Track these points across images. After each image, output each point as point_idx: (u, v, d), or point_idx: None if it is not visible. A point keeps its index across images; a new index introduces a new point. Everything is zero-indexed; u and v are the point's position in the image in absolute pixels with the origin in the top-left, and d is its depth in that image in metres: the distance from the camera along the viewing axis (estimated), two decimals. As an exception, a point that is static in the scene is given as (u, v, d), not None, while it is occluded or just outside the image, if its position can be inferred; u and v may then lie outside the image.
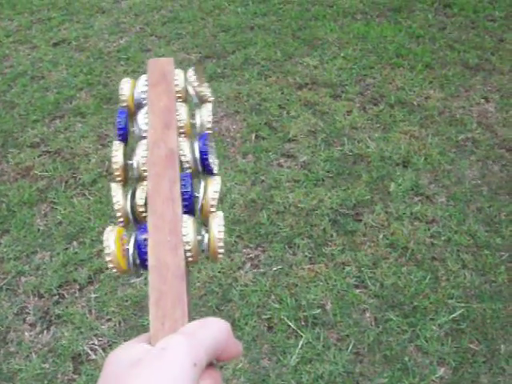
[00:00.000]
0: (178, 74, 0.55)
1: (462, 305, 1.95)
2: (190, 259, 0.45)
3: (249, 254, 2.16)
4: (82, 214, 2.36)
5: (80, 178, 2.55)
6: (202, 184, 0.50)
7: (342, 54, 3.33)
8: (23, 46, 3.68)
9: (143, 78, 0.55)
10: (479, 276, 2.05)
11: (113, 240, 0.46)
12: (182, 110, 0.53)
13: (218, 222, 0.48)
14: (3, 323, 1.99)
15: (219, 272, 2.09)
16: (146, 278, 2.08)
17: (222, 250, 0.47)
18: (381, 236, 2.20)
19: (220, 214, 0.49)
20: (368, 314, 1.94)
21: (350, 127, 2.77)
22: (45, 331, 1.96)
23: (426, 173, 2.49)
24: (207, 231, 0.48)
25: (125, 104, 0.55)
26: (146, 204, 0.47)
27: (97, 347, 1.90)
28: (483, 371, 1.77)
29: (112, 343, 1.90)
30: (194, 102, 0.56)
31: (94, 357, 1.87)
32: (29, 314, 2.03)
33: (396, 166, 2.52)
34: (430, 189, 2.41)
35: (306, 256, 2.14)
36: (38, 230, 2.32)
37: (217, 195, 0.49)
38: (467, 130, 2.74)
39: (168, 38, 3.62)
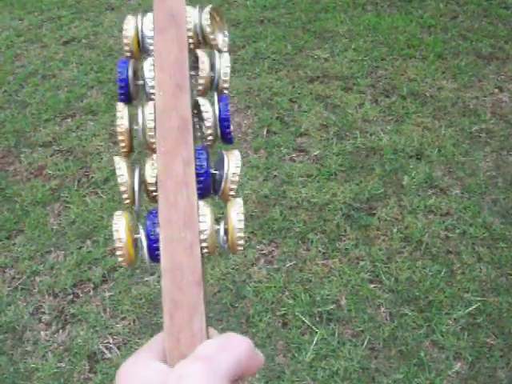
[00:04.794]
0: (190, 12, 0.45)
1: (478, 298, 1.93)
2: (207, 254, 0.40)
3: (262, 250, 2.15)
4: (94, 213, 2.37)
5: (92, 177, 2.56)
6: (225, 160, 0.43)
7: (352, 46, 3.30)
8: (34, 45, 3.69)
9: (150, 16, 0.46)
10: (495, 269, 2.03)
11: (123, 228, 0.41)
12: (205, 60, 0.44)
13: (237, 210, 0.42)
14: (19, 323, 2.00)
15: (233, 269, 2.09)
16: (159, 276, 2.08)
17: (241, 242, 0.42)
18: (395, 230, 2.18)
19: (239, 200, 0.43)
20: (383, 309, 1.93)
21: (362, 120, 2.75)
22: (60, 330, 1.97)
23: (440, 165, 2.46)
24: (225, 218, 0.42)
25: (128, 49, 0.46)
26: (156, 182, 0.41)
27: (112, 346, 1.90)
28: (500, 365, 1.75)
29: (127, 341, 1.90)
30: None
31: (109, 355, 1.87)
32: (44, 313, 2.04)
33: (409, 159, 2.50)
34: (444, 181, 2.38)
35: (320, 251, 2.13)
36: (52, 229, 2.33)
37: (237, 176, 0.44)
38: (481, 121, 2.71)
39: (178, 34, 3.61)
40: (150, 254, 0.41)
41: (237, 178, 0.44)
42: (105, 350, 1.89)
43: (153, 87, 0.43)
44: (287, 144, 2.63)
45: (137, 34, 0.46)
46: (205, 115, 0.43)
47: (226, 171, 0.43)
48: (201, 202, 0.41)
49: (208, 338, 0.38)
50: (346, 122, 2.73)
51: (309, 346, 1.83)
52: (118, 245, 0.41)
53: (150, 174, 0.42)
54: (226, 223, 0.42)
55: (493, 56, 3.17)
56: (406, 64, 3.13)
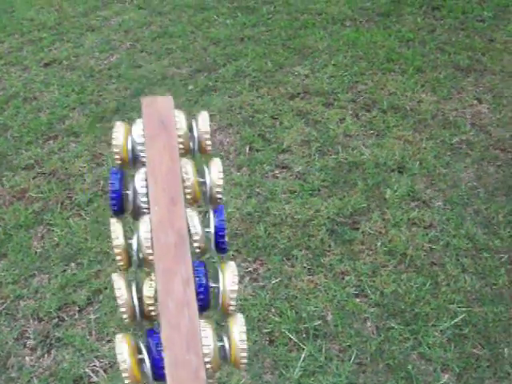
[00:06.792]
0: (179, 116, 0.44)
1: (464, 309, 1.94)
2: (211, 371, 0.40)
3: (247, 268, 2.15)
4: (78, 235, 2.35)
5: (76, 199, 2.55)
6: (220, 274, 0.43)
7: (332, 62, 3.33)
8: (14, 67, 3.68)
9: (139, 122, 0.45)
10: (479, 279, 2.04)
11: (126, 351, 0.41)
12: (189, 169, 0.43)
13: (239, 326, 0.42)
14: (3, 348, 1.98)
15: (218, 287, 2.08)
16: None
17: (244, 355, 0.42)
18: (379, 244, 2.19)
19: (240, 316, 0.43)
20: (369, 324, 1.93)
21: (344, 135, 2.77)
22: (45, 355, 1.95)
23: (422, 177, 2.48)
24: (227, 334, 0.42)
25: (118, 158, 0.44)
26: (155, 299, 0.41)
27: (98, 369, 1.88)
28: (488, 376, 1.76)
29: (113, 364, 1.89)
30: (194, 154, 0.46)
31: (95, 379, 1.85)
32: (29, 338, 2.01)
33: (391, 172, 2.52)
34: (427, 193, 2.40)
35: (305, 267, 2.13)
36: (36, 252, 2.31)
37: (236, 287, 0.43)
38: (461, 133, 2.74)
39: (158, 54, 3.63)
40: (155, 374, 0.41)
41: (235, 293, 0.43)
42: (91, 374, 1.87)
43: (145, 197, 0.42)
44: (270, 161, 2.64)
45: (126, 142, 0.45)
46: (192, 230, 0.42)
47: (222, 287, 0.43)
48: (202, 321, 0.40)
49: None
50: (328, 138, 2.75)
51: (296, 363, 1.82)
52: (123, 367, 0.41)
53: (148, 295, 0.42)
54: (228, 338, 0.42)
55: (471, 68, 3.22)
56: (386, 78, 3.17)
